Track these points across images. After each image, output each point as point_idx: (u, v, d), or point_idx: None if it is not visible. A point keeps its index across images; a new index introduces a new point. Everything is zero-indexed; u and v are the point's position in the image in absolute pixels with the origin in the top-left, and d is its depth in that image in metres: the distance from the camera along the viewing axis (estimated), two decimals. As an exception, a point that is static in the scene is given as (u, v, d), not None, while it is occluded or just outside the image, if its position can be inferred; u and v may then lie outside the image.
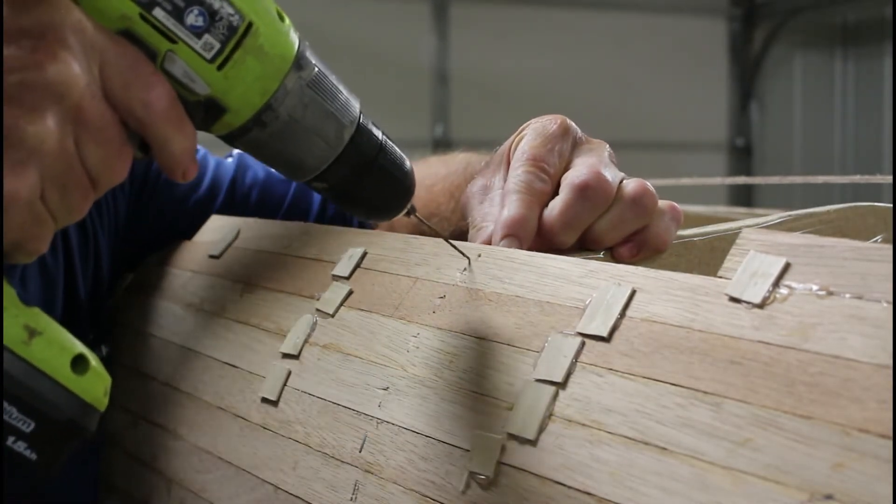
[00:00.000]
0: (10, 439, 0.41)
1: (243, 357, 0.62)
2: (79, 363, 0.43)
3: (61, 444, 0.43)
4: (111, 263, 0.78)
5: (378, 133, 0.49)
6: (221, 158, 0.86)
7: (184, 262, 0.76)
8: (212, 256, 0.73)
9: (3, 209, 0.40)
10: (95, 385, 0.44)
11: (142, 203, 0.81)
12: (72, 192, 0.43)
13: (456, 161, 0.80)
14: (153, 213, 0.81)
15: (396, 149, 0.50)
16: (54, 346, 0.43)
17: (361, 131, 0.48)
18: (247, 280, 0.67)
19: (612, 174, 0.55)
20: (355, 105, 0.49)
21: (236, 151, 0.88)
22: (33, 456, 0.42)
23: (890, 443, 0.32)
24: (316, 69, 0.47)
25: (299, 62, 0.46)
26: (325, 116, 0.47)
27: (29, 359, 0.42)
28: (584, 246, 0.55)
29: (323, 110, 0.47)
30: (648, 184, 0.55)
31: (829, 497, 0.32)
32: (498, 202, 0.56)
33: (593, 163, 0.55)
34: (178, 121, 0.45)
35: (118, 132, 0.43)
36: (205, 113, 0.46)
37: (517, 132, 0.59)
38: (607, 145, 0.58)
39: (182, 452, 0.64)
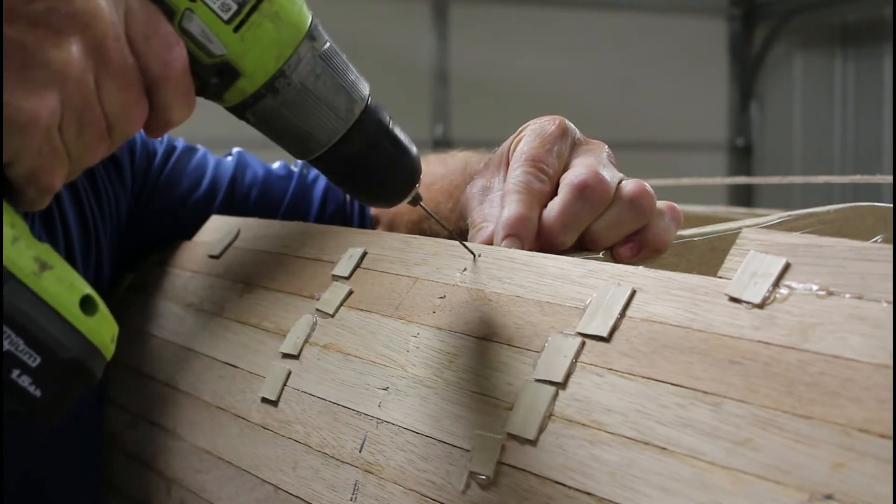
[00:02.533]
0: (15, 373, 0.40)
1: (243, 357, 0.62)
2: (87, 304, 0.43)
3: (66, 384, 0.41)
4: (112, 263, 0.78)
5: (386, 116, 0.50)
6: (221, 157, 0.86)
7: (184, 262, 0.76)
8: (212, 256, 0.73)
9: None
10: (103, 329, 0.43)
11: (142, 203, 0.81)
12: (88, 129, 0.42)
13: (454, 160, 0.80)
14: (153, 213, 0.81)
15: (403, 134, 0.50)
16: (64, 283, 0.42)
17: (370, 110, 0.49)
18: (247, 280, 0.67)
19: (610, 174, 0.55)
20: (365, 85, 0.49)
21: (236, 150, 0.88)
22: (38, 392, 0.40)
23: (890, 443, 0.32)
24: (328, 43, 0.48)
25: (312, 33, 0.47)
26: (335, 89, 0.48)
27: (39, 292, 0.41)
28: (582, 246, 0.55)
29: (334, 83, 0.48)
30: (647, 184, 0.55)
31: (829, 497, 0.32)
32: (498, 203, 0.56)
33: (592, 163, 0.55)
34: (187, 90, 0.46)
35: (138, 80, 0.44)
36: (219, 77, 0.46)
37: (516, 133, 0.59)
38: (606, 146, 0.58)
39: (182, 452, 0.64)
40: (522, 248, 0.52)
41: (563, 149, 0.57)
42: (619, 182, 0.55)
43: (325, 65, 0.47)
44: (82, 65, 0.41)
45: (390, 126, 0.50)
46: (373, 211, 0.87)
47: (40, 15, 0.40)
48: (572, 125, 0.58)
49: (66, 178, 0.43)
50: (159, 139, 0.84)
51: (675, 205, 0.57)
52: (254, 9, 0.45)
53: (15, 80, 0.39)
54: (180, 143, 0.85)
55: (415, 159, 0.51)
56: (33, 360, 0.40)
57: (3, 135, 0.39)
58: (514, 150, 0.58)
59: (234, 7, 0.45)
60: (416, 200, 0.51)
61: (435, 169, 0.79)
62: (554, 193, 0.55)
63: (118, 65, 0.42)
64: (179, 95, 0.45)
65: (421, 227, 0.77)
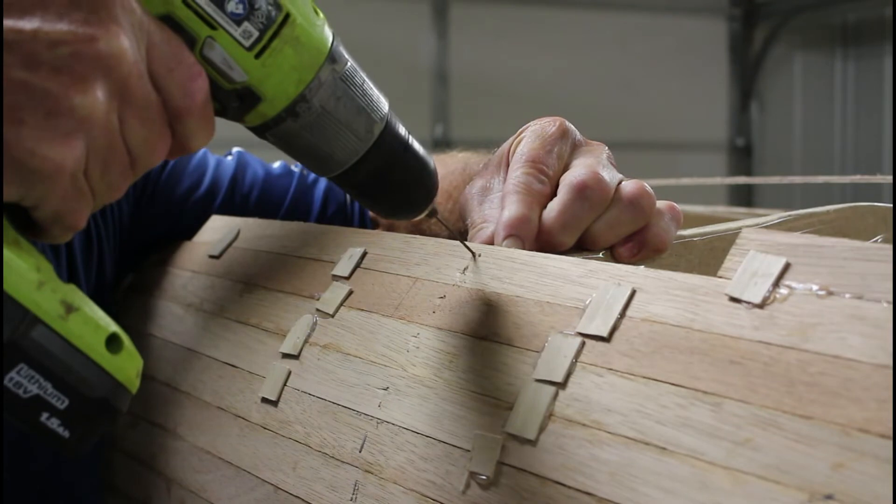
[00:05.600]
0: (44, 416, 0.40)
1: (243, 357, 0.62)
2: (113, 342, 0.43)
3: (93, 423, 0.42)
4: (114, 266, 0.79)
5: (404, 132, 0.50)
6: (221, 157, 0.86)
7: (184, 263, 0.76)
8: (212, 256, 0.73)
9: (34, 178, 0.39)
10: (128, 365, 0.43)
11: (143, 205, 0.81)
12: (113, 168, 0.43)
13: (454, 161, 0.80)
14: (154, 214, 0.81)
15: (421, 148, 0.50)
16: (90, 324, 0.42)
17: (389, 128, 0.49)
18: (247, 280, 0.67)
19: (610, 175, 0.55)
20: (384, 102, 0.49)
21: (236, 150, 0.88)
22: (66, 433, 0.41)
23: (890, 443, 0.32)
24: (349, 63, 0.48)
25: (333, 56, 0.47)
26: (356, 111, 0.48)
27: (65, 335, 0.41)
28: (582, 246, 0.55)
29: (354, 104, 0.47)
30: (647, 185, 0.55)
31: (829, 497, 0.32)
32: (498, 203, 0.56)
33: (591, 164, 0.55)
34: (209, 119, 0.46)
35: (160, 113, 0.44)
36: (240, 102, 0.46)
37: (516, 135, 0.59)
38: (606, 147, 0.58)
39: (182, 452, 0.64)
40: (523, 248, 0.52)
41: (563, 150, 0.57)
42: (619, 183, 0.55)
43: (345, 87, 0.47)
44: (107, 108, 0.41)
45: (409, 142, 0.50)
46: (372, 212, 0.87)
47: (64, 61, 0.39)
48: (572, 126, 0.59)
49: (90, 213, 0.44)
50: None
51: (675, 205, 0.57)
52: (275, 35, 0.45)
53: (41, 128, 0.39)
54: None
55: (433, 173, 0.51)
56: (61, 403, 0.41)
57: (29, 182, 0.39)
58: (514, 152, 0.58)
59: (256, 34, 0.45)
60: (433, 213, 0.51)
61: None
62: (554, 194, 0.55)
63: (142, 102, 0.42)
64: (201, 125, 0.45)
65: (420, 228, 0.77)
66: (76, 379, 0.41)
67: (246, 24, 0.44)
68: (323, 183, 0.86)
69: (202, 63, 0.44)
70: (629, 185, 0.55)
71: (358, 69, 0.48)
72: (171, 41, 0.43)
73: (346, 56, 0.48)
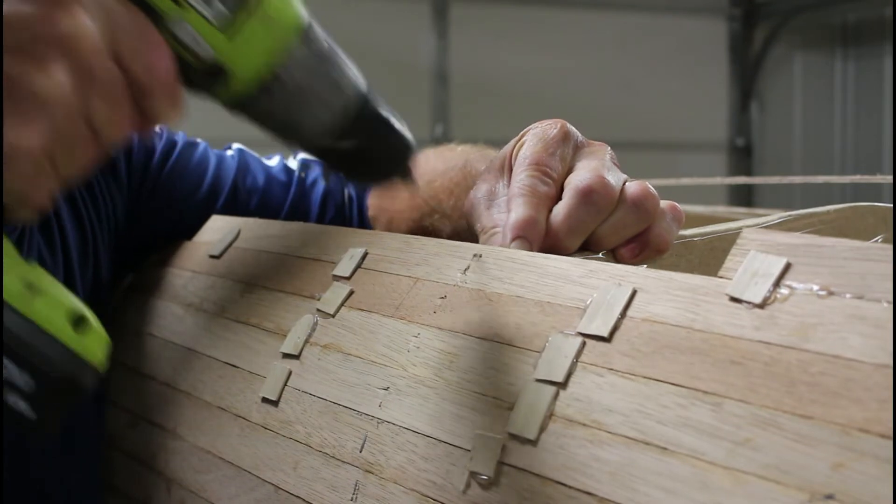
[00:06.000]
0: (11, 398, 0.40)
1: (243, 357, 0.62)
2: (80, 322, 0.42)
3: (61, 403, 0.42)
4: (111, 264, 0.78)
5: (383, 108, 0.50)
6: (222, 153, 0.86)
7: (184, 262, 0.76)
8: (212, 256, 0.73)
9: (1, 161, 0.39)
10: (96, 344, 0.43)
11: (141, 201, 0.81)
12: (77, 147, 0.42)
13: (454, 155, 0.80)
14: (153, 211, 0.81)
15: (401, 124, 0.51)
16: (55, 304, 0.42)
17: (367, 105, 0.49)
18: (247, 280, 0.67)
19: (614, 178, 0.55)
20: (361, 80, 0.49)
21: (236, 146, 0.88)
22: (33, 415, 0.41)
23: (890, 443, 0.32)
24: (323, 42, 0.48)
25: (306, 33, 0.47)
26: (330, 88, 0.47)
27: (30, 315, 0.41)
28: (585, 247, 0.55)
29: (329, 81, 0.47)
30: (650, 186, 0.55)
31: (829, 497, 0.32)
32: (504, 207, 0.56)
33: (596, 166, 0.55)
34: (176, 96, 0.45)
35: (125, 92, 0.43)
36: (211, 79, 0.46)
37: (517, 138, 0.59)
38: (608, 148, 0.58)
39: (182, 452, 0.64)
40: (531, 250, 0.52)
41: (565, 152, 0.57)
42: (623, 184, 0.55)
43: (319, 64, 0.47)
44: (69, 89, 0.41)
45: (387, 119, 0.50)
46: (371, 212, 0.87)
47: (25, 44, 0.39)
48: (573, 128, 0.59)
49: (57, 192, 0.43)
50: (158, 134, 0.84)
51: (677, 205, 0.57)
52: (245, 12, 0.44)
53: (1, 111, 0.39)
54: (181, 139, 0.85)
55: (411, 146, 0.51)
56: (27, 385, 0.40)
57: None
58: (516, 155, 0.58)
59: (227, 13, 0.44)
60: (409, 178, 0.52)
61: (434, 165, 0.79)
62: (559, 196, 0.55)
63: (106, 81, 0.42)
64: (168, 102, 0.45)
65: (422, 225, 0.77)
66: (43, 360, 0.40)
67: (216, 3, 0.44)
68: (321, 187, 0.87)
69: (171, 41, 0.44)
70: (633, 188, 0.55)
71: (334, 47, 0.48)
72: (135, 19, 0.43)
73: (321, 33, 0.48)
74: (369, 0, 3.95)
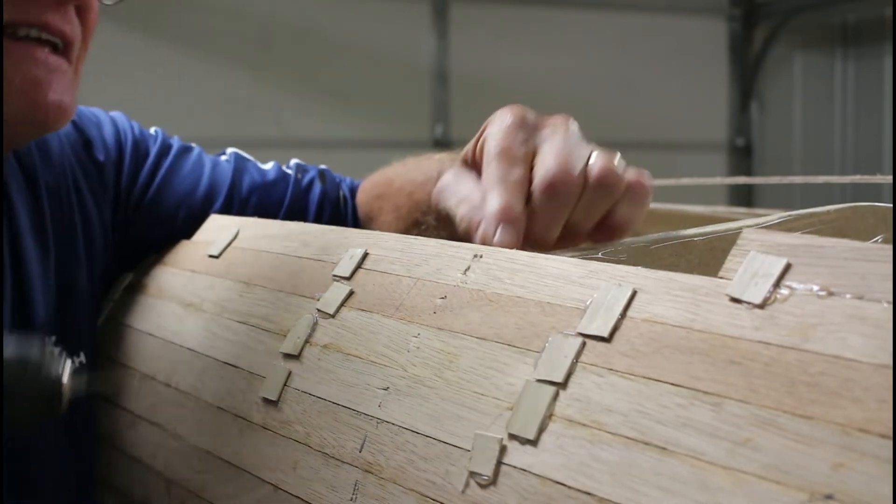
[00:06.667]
0: None
1: (243, 357, 0.62)
2: None
3: None
4: (97, 271, 0.77)
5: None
6: (217, 159, 0.86)
7: (183, 262, 0.76)
8: (211, 256, 0.73)
9: None
10: None
11: (132, 205, 0.81)
12: None
13: (430, 165, 0.80)
14: (148, 215, 0.81)
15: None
16: None
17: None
18: (247, 280, 0.67)
19: (578, 154, 0.56)
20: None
21: (231, 151, 0.88)
22: None
23: (890, 443, 0.32)
24: None
25: None
26: None
27: None
28: (563, 238, 0.57)
29: None
30: (611, 159, 0.56)
31: (829, 497, 0.32)
32: (480, 202, 0.57)
33: (559, 148, 0.56)
34: None
35: None
36: None
37: (478, 133, 0.60)
38: (570, 118, 0.59)
39: (182, 452, 0.64)
40: (515, 235, 0.54)
41: (526, 135, 0.58)
42: (587, 161, 0.56)
43: None
44: None
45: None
46: (360, 211, 0.88)
47: None
48: (526, 109, 0.59)
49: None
50: (153, 138, 0.84)
51: (643, 178, 0.57)
52: None
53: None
54: (175, 143, 0.85)
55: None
56: None
57: None
58: (480, 149, 0.59)
59: None
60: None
61: (413, 176, 0.80)
62: (531, 179, 0.56)
63: None
64: None
65: (414, 218, 0.77)
66: None
67: None
68: (318, 188, 0.87)
69: None
70: (596, 166, 0.56)
71: None
72: None
73: None
74: (369, 0, 3.95)
